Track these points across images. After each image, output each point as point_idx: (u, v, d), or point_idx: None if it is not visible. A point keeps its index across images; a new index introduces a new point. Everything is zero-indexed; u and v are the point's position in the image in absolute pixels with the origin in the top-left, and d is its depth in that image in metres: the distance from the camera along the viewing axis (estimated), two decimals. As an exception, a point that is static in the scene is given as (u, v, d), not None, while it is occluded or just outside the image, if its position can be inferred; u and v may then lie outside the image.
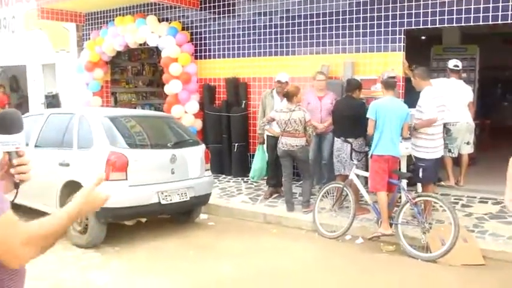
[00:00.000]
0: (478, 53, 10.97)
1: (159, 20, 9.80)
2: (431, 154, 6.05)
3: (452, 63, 7.72)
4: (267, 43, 8.75)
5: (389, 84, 5.92)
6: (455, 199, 7.15)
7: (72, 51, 11.86)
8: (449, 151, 7.52)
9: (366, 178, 6.36)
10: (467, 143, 7.61)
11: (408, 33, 12.54)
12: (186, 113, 9.33)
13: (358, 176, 6.22)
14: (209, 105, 9.36)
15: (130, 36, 9.76)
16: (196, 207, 6.73)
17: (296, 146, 6.72)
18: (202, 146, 6.71)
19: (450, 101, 7.37)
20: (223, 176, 9.08)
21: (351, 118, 6.40)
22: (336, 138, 6.73)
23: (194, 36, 9.68)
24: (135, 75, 12.17)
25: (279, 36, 8.61)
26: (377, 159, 5.84)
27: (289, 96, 6.76)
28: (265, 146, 7.65)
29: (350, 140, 6.45)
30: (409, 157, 6.52)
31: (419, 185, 6.52)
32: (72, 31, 11.88)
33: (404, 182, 6.20)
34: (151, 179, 5.95)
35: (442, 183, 7.57)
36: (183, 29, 9.70)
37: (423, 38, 13.81)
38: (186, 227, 6.74)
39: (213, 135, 9.27)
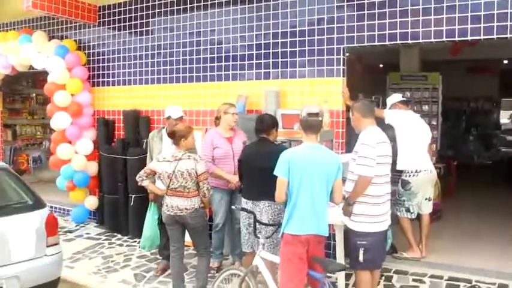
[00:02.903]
0: (441, 82, 8.95)
1: (51, 38, 7.50)
2: (376, 225, 3.83)
3: (398, 95, 5.65)
4: (174, 66, 6.49)
5: (309, 124, 3.65)
6: (414, 280, 4.91)
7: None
8: (408, 211, 5.31)
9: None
10: (428, 199, 5.41)
11: (361, 59, 10.56)
12: (77, 153, 6.97)
13: (266, 261, 3.93)
14: (105, 144, 7.01)
15: (13, 56, 7.44)
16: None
17: (186, 209, 4.42)
18: (43, 211, 4.34)
19: (409, 142, 5.23)
20: (118, 236, 6.65)
21: (265, 171, 3.98)
22: (244, 200, 4.46)
23: (91, 58, 7.38)
24: (41, 104, 9.76)
25: (188, 57, 6.36)
26: (290, 241, 3.56)
27: (175, 137, 4.49)
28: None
29: (262, 204, 4.21)
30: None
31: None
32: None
33: (341, 275, 3.94)
34: None
35: (403, 254, 5.33)
36: (79, 49, 7.41)
37: (381, 66, 11.94)
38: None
39: (108, 182, 6.89)
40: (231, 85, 5.99)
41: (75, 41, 7.44)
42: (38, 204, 4.40)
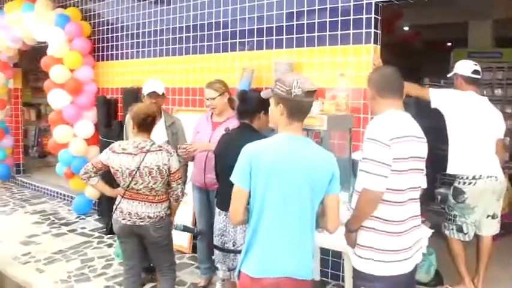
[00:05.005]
0: (519, 61, 7.01)
1: (58, 6, 6.50)
2: (393, 266, 2.31)
3: (468, 66, 3.83)
4: (183, 35, 5.18)
5: (301, 107, 2.16)
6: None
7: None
8: (460, 230, 3.71)
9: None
10: (493, 217, 3.75)
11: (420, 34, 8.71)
12: (76, 137, 5.96)
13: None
14: (105, 127, 5.93)
15: (19, 28, 6.54)
16: None
17: (149, 218, 3.19)
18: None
19: (465, 136, 3.62)
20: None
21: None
22: (217, 210, 3.13)
23: (96, 29, 6.29)
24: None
25: (191, 24, 5.07)
26: (248, 286, 2.20)
27: (140, 123, 3.24)
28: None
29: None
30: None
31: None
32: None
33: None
34: None
35: (448, 289, 3.79)
36: (84, 19, 6.35)
37: (449, 44, 9.99)
38: None
39: (106, 170, 5.81)
40: (239, 57, 4.63)
41: (81, 10, 6.39)
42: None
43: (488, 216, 3.69)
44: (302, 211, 2.18)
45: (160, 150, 3.20)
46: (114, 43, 6.04)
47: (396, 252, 2.31)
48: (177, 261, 4.61)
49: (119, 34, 5.97)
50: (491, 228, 3.72)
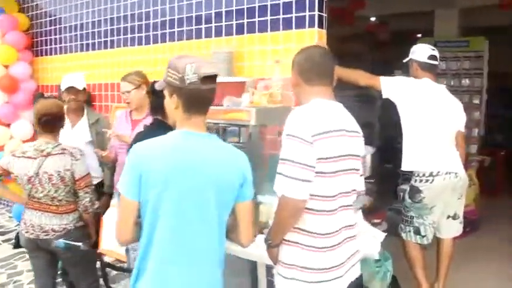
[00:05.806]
0: (487, 50, 6.66)
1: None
2: (320, 287, 1.87)
3: (424, 51, 3.42)
4: (128, 24, 4.68)
5: (201, 97, 1.76)
6: None
7: None
8: (417, 233, 3.32)
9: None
10: (454, 217, 3.37)
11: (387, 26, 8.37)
12: (13, 138, 5.44)
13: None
14: (42, 127, 5.42)
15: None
16: None
17: (53, 231, 2.75)
18: None
19: (420, 129, 3.24)
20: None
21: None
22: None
23: (36, 22, 5.76)
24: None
25: (129, 13, 4.60)
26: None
27: (41, 122, 2.80)
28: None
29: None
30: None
31: None
32: None
33: None
34: None
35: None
36: (22, 11, 5.82)
37: (418, 35, 9.66)
38: None
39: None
40: (177, 47, 4.17)
41: (18, 1, 5.84)
42: None
43: (448, 216, 3.31)
44: (205, 224, 1.76)
45: (62, 153, 2.76)
46: (53, 37, 5.52)
47: (325, 270, 1.89)
48: (115, 272, 4.19)
49: (57, 27, 5.45)
50: (451, 229, 3.35)
